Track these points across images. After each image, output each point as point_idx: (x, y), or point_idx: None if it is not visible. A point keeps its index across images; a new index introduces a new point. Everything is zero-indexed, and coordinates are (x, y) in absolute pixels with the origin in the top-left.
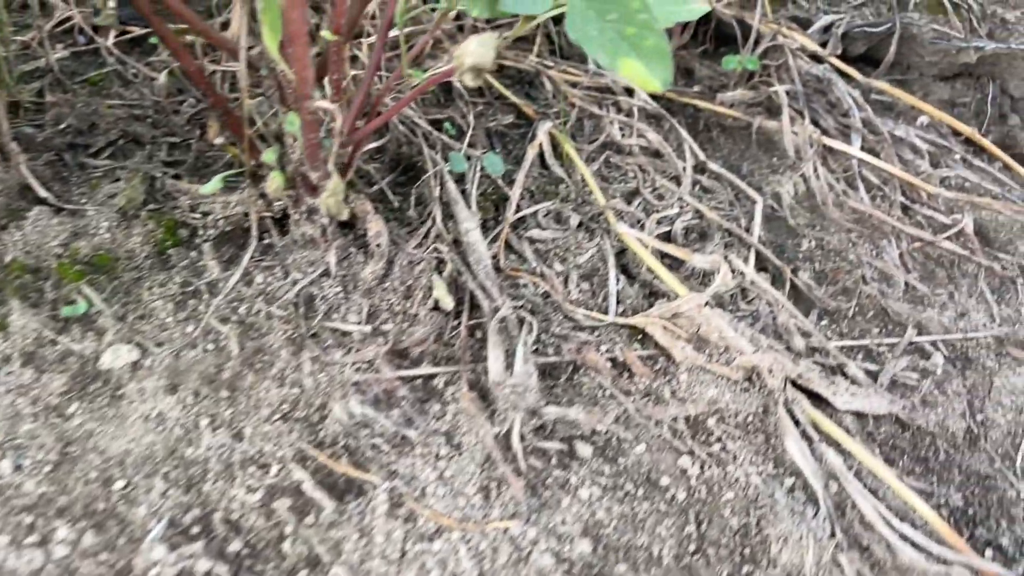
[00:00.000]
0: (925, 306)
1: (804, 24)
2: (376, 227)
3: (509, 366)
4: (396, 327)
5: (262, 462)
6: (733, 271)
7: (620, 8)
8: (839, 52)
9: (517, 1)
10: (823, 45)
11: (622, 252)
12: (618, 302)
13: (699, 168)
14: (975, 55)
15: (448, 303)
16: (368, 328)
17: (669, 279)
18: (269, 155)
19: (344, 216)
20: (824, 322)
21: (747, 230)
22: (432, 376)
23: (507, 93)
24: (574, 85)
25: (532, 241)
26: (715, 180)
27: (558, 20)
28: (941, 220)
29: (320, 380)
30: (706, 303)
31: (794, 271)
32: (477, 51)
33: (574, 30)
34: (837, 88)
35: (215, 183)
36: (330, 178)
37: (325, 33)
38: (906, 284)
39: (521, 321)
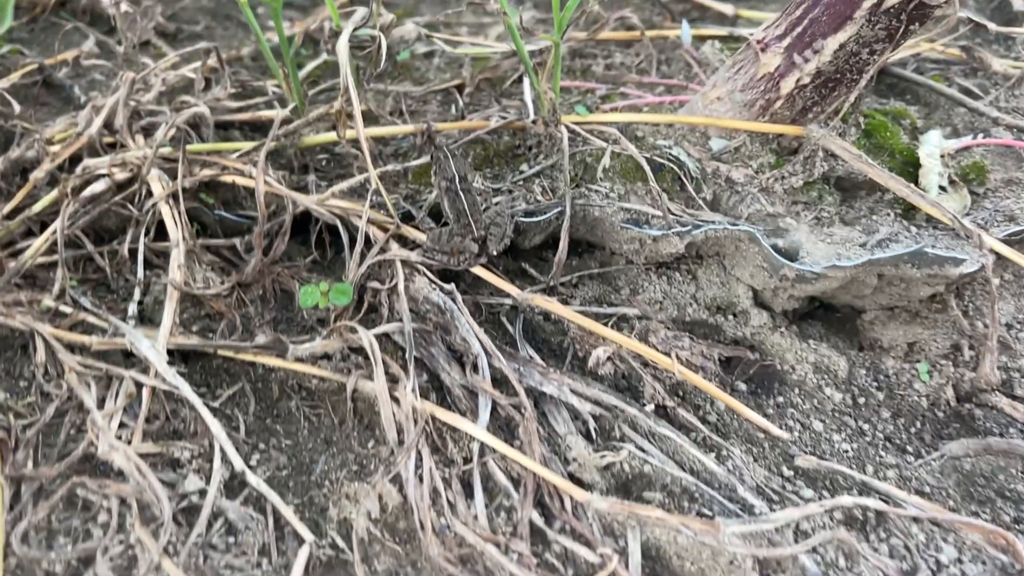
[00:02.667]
0: None
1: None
2: None
3: None
4: None
5: None
6: None
7: None
8: (495, 251)
9: None
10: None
11: None
12: None
13: (235, 483)
14: (681, 243)
15: None
16: None
17: None
18: None
19: None
20: None
21: None
22: None
23: None
24: (81, 349)
25: None
26: (251, 506)
27: (104, 237)
28: (586, 555)
29: None
30: None
31: None
32: None
33: None
34: (460, 325)
35: None
36: None
37: None
38: None
39: None
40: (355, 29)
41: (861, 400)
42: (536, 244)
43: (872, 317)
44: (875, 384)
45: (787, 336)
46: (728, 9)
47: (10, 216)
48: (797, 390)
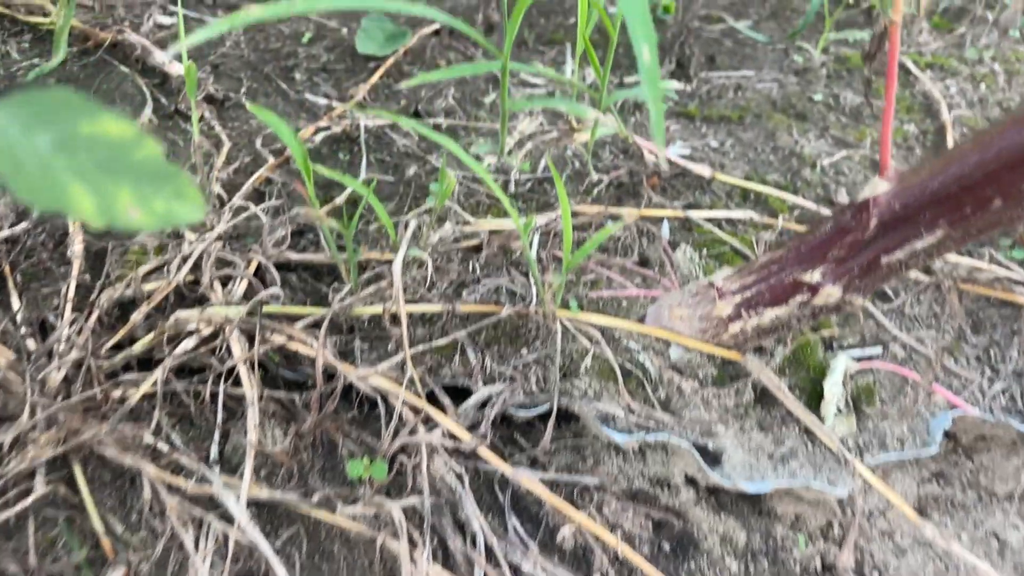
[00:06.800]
0: None
1: (461, 394)
2: None
3: None
4: None
5: None
6: None
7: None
8: (488, 438)
9: None
10: (477, 425)
11: None
12: None
13: None
14: (637, 445)
15: None
16: None
17: None
18: None
19: None
20: None
21: None
22: None
23: (91, 509)
24: (178, 490)
25: None
26: None
27: (184, 370)
28: None
29: None
30: None
31: None
32: None
33: None
34: (466, 506)
35: None
36: None
37: None
38: None
39: None
40: (408, 248)
41: (751, 567)
42: (527, 419)
43: (771, 492)
44: (764, 549)
45: (705, 509)
46: (706, 171)
47: (112, 349)
48: (706, 557)
